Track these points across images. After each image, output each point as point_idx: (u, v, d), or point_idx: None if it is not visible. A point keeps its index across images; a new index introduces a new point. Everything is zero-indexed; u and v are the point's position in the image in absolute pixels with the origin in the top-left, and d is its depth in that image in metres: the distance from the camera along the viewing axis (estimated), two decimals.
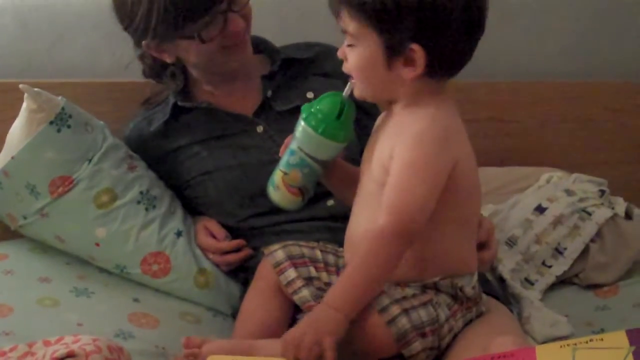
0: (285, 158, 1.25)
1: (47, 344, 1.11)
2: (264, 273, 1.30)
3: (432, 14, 1.09)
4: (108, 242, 1.48)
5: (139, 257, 1.48)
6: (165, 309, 1.46)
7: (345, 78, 1.21)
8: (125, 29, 1.47)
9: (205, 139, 1.53)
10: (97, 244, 1.48)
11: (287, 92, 1.53)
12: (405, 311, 1.12)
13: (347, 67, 1.18)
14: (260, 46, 1.60)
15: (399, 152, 1.13)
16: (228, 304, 1.52)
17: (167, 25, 1.40)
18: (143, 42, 1.47)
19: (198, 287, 1.50)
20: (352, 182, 1.26)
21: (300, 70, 1.57)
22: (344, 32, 1.15)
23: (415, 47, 1.11)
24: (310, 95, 1.51)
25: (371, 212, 1.16)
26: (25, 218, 1.49)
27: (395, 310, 1.12)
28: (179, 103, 1.54)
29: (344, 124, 1.21)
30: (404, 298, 1.14)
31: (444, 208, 1.13)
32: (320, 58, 1.59)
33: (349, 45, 1.16)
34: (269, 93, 1.53)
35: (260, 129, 1.51)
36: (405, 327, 1.12)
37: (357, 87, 1.19)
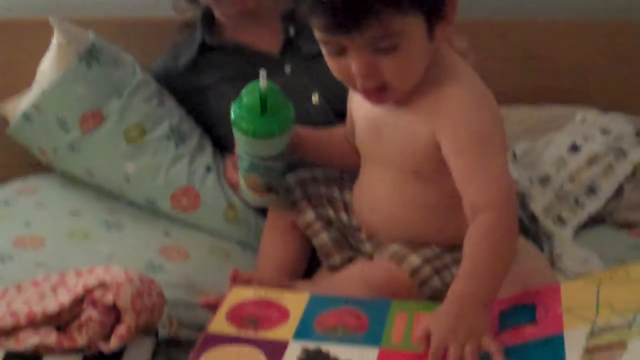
0: (239, 163, 1.22)
1: (79, 274, 1.12)
2: (279, 211, 1.28)
3: None
4: (138, 176, 1.48)
5: (169, 192, 1.48)
6: (195, 242, 1.46)
7: None
8: None
9: (232, 78, 1.51)
10: (127, 179, 1.48)
11: (313, 31, 1.49)
12: (437, 271, 1.10)
13: (384, 78, 1.00)
14: None
15: (457, 135, 1.01)
16: (257, 238, 1.50)
17: None
18: None
19: (227, 221, 1.50)
20: (329, 145, 1.23)
21: None
22: (376, 39, 0.97)
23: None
24: None
25: (400, 196, 1.12)
26: (56, 152, 1.49)
27: (426, 271, 1.09)
28: (207, 41, 1.52)
29: (274, 116, 1.13)
30: (435, 256, 1.11)
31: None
32: None
33: (386, 51, 0.98)
34: (292, 31, 1.50)
35: (288, 69, 1.49)
36: (438, 287, 1.09)
37: (396, 94, 1.04)
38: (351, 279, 1.13)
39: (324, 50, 1.03)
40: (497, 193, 1.00)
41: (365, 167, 1.20)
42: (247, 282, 1.13)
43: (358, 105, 1.16)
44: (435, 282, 1.09)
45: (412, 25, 0.98)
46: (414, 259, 1.10)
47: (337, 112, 1.28)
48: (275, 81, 1.47)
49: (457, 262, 1.11)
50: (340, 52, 1.00)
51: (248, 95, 1.14)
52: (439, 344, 0.89)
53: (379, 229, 1.18)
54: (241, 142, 1.17)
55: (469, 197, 1.01)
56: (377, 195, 1.16)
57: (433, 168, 1.07)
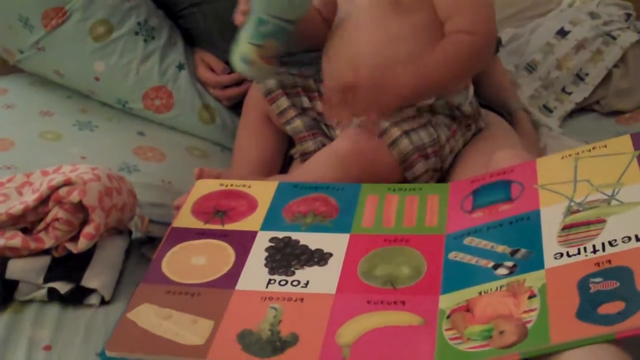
0: (252, 29, 1.13)
1: (45, 173, 1.09)
2: (253, 103, 1.26)
3: None
4: (107, 76, 1.43)
5: (141, 92, 1.44)
6: (171, 143, 1.43)
7: None
8: None
9: None
10: (97, 78, 1.43)
11: None
12: (406, 133, 1.09)
13: None
14: None
15: None
16: (234, 138, 1.48)
17: None
18: None
19: (203, 122, 1.46)
20: (312, 23, 1.20)
21: None
22: None
23: None
24: None
25: (381, 35, 1.12)
26: (21, 52, 1.44)
27: (395, 132, 1.08)
28: None
29: None
30: (403, 120, 1.10)
31: (439, 24, 1.10)
32: None
33: None
34: None
35: None
36: (408, 148, 1.08)
37: None
38: (320, 155, 1.12)
39: None
40: (482, 21, 1.08)
41: (339, 28, 1.19)
42: (216, 177, 1.10)
43: None
44: (405, 142, 1.08)
45: None
46: (383, 123, 1.09)
47: None
48: None
49: (433, 124, 1.11)
50: None
51: None
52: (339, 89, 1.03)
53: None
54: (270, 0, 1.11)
55: (453, 23, 1.09)
56: (356, 51, 1.15)
57: (421, 5, 1.10)
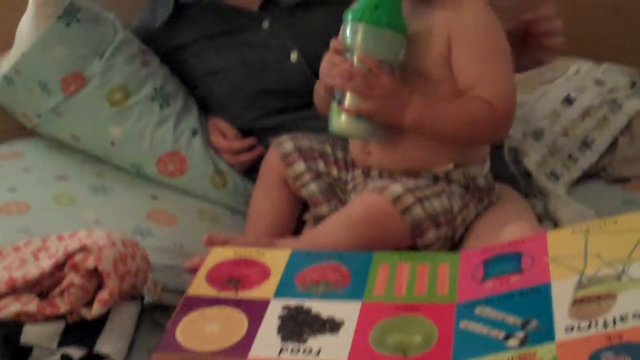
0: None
1: (60, 239, 1.10)
2: (270, 166, 1.28)
3: None
4: (123, 140, 1.46)
5: (155, 157, 1.46)
6: (183, 207, 1.45)
7: None
8: None
9: (209, 36, 1.47)
10: (113, 143, 1.46)
11: None
12: (419, 200, 1.10)
13: None
14: None
15: (475, 39, 1.11)
16: (245, 202, 1.49)
17: None
18: None
19: (215, 186, 1.49)
20: None
21: None
22: None
23: None
24: None
25: None
26: (39, 117, 1.47)
27: (408, 199, 1.10)
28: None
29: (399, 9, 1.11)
30: (417, 188, 1.12)
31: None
32: None
33: None
34: None
35: (265, 24, 1.45)
36: (420, 216, 1.10)
37: None
38: (332, 219, 1.14)
39: None
40: (503, 97, 1.11)
41: None
42: (224, 244, 1.12)
43: None
44: (417, 210, 1.10)
45: None
46: (396, 188, 1.10)
47: (315, 72, 1.26)
48: (253, 38, 1.45)
49: (447, 194, 1.13)
50: None
51: None
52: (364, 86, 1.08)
53: (379, 159, 1.19)
54: (380, 44, 1.10)
55: (474, 91, 1.11)
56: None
57: (438, 70, 1.13)
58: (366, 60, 1.09)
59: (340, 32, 1.15)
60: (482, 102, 1.10)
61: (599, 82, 1.71)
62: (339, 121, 1.14)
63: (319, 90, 1.23)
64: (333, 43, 1.13)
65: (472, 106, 1.11)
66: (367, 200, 1.11)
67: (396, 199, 1.09)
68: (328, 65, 1.12)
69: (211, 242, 1.13)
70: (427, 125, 1.12)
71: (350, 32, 1.11)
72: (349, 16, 1.11)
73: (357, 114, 1.11)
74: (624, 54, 1.86)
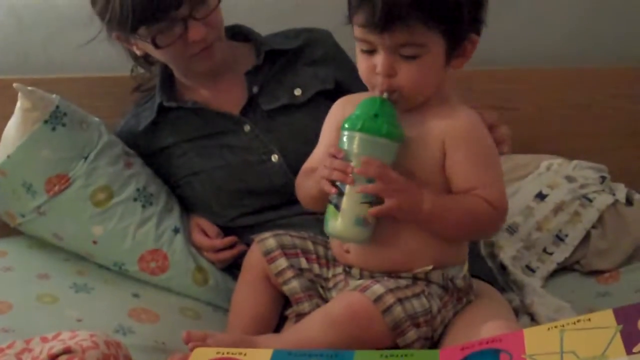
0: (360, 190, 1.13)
1: (44, 340, 1.10)
2: (253, 262, 1.29)
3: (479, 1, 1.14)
4: (105, 240, 1.48)
5: (137, 255, 1.48)
6: (165, 304, 1.46)
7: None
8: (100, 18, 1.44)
9: (192, 138, 1.51)
10: (95, 242, 1.48)
11: (274, 89, 1.50)
12: (400, 300, 1.12)
13: (398, 82, 1.12)
14: (247, 35, 1.57)
15: (470, 145, 1.15)
16: (227, 299, 1.50)
17: (122, 25, 1.38)
18: (112, 34, 1.45)
19: (196, 283, 1.50)
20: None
21: (287, 61, 1.53)
22: (402, 45, 1.10)
23: (474, 37, 1.14)
24: (297, 92, 1.49)
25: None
26: (23, 216, 1.49)
27: (389, 299, 1.11)
28: (164, 103, 1.52)
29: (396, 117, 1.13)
30: (398, 288, 1.14)
31: None
32: (309, 45, 1.55)
33: (408, 58, 1.11)
34: (255, 89, 1.50)
35: (247, 128, 1.49)
36: (400, 316, 1.11)
37: (405, 101, 1.14)
38: (313, 318, 1.15)
39: (358, 49, 1.14)
40: (502, 198, 1.16)
41: None
42: (202, 341, 1.13)
43: None
44: (398, 310, 1.11)
45: (434, 43, 1.11)
46: (378, 288, 1.12)
47: (295, 171, 1.30)
48: (235, 141, 1.49)
49: (426, 295, 1.15)
50: (371, 51, 1.13)
51: (381, 103, 1.12)
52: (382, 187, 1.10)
53: (358, 259, 1.21)
54: (380, 153, 1.12)
55: (472, 192, 1.14)
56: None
57: (428, 173, 1.16)
58: (370, 162, 1.11)
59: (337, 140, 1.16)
60: (484, 201, 1.14)
61: (570, 179, 1.76)
62: (336, 225, 1.15)
63: (308, 189, 1.24)
64: (332, 150, 1.14)
65: (475, 204, 1.14)
66: (348, 300, 1.12)
67: (377, 299, 1.11)
68: (327, 171, 1.14)
69: (190, 339, 1.14)
70: (440, 217, 1.14)
71: (348, 140, 1.13)
72: (346, 125, 1.13)
73: (378, 215, 1.13)
74: (593, 150, 1.93)
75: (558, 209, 1.69)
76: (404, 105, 1.15)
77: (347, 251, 1.22)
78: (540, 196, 1.72)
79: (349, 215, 1.14)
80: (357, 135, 1.12)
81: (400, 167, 1.14)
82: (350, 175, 1.12)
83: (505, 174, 1.84)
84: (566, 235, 1.67)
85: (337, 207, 1.14)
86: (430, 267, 1.17)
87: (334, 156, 1.14)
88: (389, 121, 1.11)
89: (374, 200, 1.13)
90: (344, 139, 1.14)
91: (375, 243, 1.17)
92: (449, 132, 1.15)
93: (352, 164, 1.12)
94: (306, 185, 1.24)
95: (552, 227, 1.67)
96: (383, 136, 1.11)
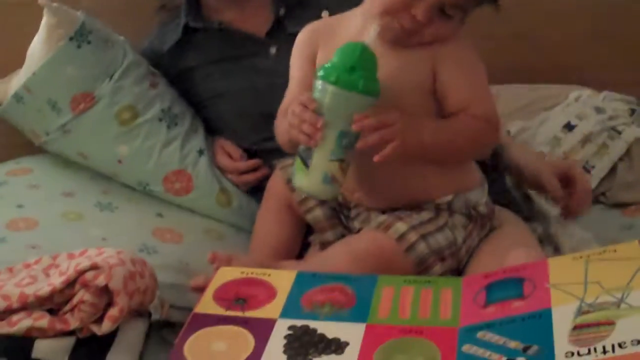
0: (333, 144, 1.07)
1: (71, 256, 1.12)
2: (275, 189, 1.29)
3: None
4: (130, 159, 1.48)
5: (161, 175, 1.49)
6: (189, 224, 1.47)
7: None
8: None
9: (218, 60, 1.50)
10: (120, 161, 1.48)
11: (301, 11, 1.47)
12: (423, 237, 1.12)
13: (421, 32, 1.10)
14: None
15: (460, 64, 1.13)
16: (250, 221, 1.50)
17: None
18: None
19: (220, 205, 1.51)
20: None
21: None
22: (452, 4, 1.08)
23: None
24: (325, 14, 1.45)
25: None
26: (48, 134, 1.49)
27: (412, 237, 1.11)
28: (190, 24, 1.50)
29: (375, 69, 1.07)
30: (421, 224, 1.13)
31: None
32: None
33: (445, 17, 1.09)
34: (282, 11, 1.48)
35: (273, 50, 1.48)
36: (424, 252, 1.11)
37: (402, 41, 1.11)
38: (337, 252, 1.15)
39: None
40: (493, 111, 1.14)
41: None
42: (227, 263, 1.13)
43: None
44: (422, 247, 1.11)
45: (469, 9, 1.11)
46: (401, 226, 1.12)
47: None
48: (261, 63, 1.47)
49: (450, 227, 1.14)
50: None
51: (360, 53, 1.05)
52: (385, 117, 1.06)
53: (374, 202, 1.19)
54: (355, 109, 1.05)
55: (466, 112, 1.13)
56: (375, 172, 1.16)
57: (414, 101, 1.13)
58: (362, 119, 1.05)
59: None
60: (479, 119, 1.12)
61: (599, 110, 1.73)
62: (303, 181, 1.10)
63: (283, 132, 1.18)
64: (303, 99, 1.08)
65: (472, 124, 1.12)
66: (371, 238, 1.12)
67: (400, 237, 1.11)
68: (297, 120, 1.07)
69: (215, 260, 1.15)
70: (441, 144, 1.12)
71: (322, 91, 1.06)
72: (321, 73, 1.06)
73: (383, 160, 1.07)
74: (623, 81, 1.89)
75: (586, 140, 1.67)
76: (394, 41, 1.11)
77: (357, 197, 1.21)
78: (569, 127, 1.70)
79: (317, 172, 1.08)
80: (331, 89, 1.04)
81: (389, 95, 1.09)
82: (320, 132, 1.05)
83: (534, 104, 1.84)
84: (593, 167, 1.65)
85: (305, 162, 1.09)
86: (451, 197, 1.16)
87: (306, 106, 1.06)
88: (366, 75, 1.05)
89: (344, 157, 1.08)
90: (318, 87, 1.06)
91: (379, 184, 1.16)
92: (437, 55, 1.12)
93: (325, 117, 1.05)
94: (282, 127, 1.18)
95: (579, 158, 1.66)
96: (359, 92, 1.04)
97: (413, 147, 1.09)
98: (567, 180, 1.39)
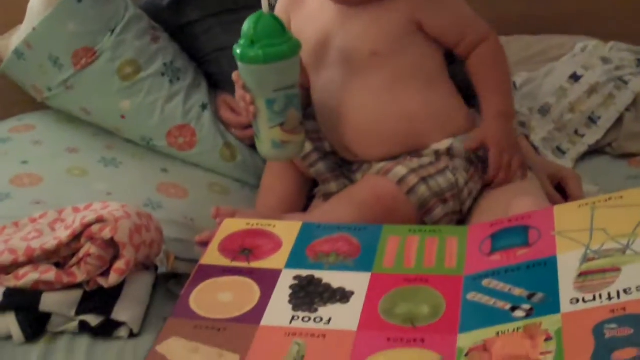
0: (266, 113, 1.12)
1: (76, 210, 1.12)
2: None
3: None
4: (133, 114, 1.47)
5: (165, 130, 1.48)
6: (193, 179, 1.47)
7: None
8: None
9: (217, 13, 1.49)
10: (123, 116, 1.48)
11: None
12: (423, 179, 1.12)
13: None
14: None
15: (439, 6, 1.16)
16: (255, 175, 1.51)
17: None
18: None
19: (224, 160, 1.50)
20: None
21: None
22: None
23: None
24: None
25: (361, 84, 1.17)
26: (50, 90, 1.48)
27: (412, 179, 1.12)
28: None
29: (289, 33, 1.10)
30: (421, 167, 1.14)
31: (442, 67, 1.19)
32: None
33: None
34: None
35: (273, 1, 1.46)
36: (425, 194, 1.12)
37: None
38: (339, 201, 1.15)
39: None
40: (483, 25, 1.18)
41: (324, 93, 1.21)
42: (231, 216, 1.14)
43: (307, 21, 1.22)
44: (422, 189, 1.12)
45: None
46: (400, 169, 1.13)
47: None
48: None
49: (451, 169, 1.14)
50: None
51: (255, 25, 1.08)
52: (499, 156, 1.15)
53: (363, 144, 1.20)
54: (269, 78, 1.09)
55: (469, 42, 1.18)
56: (352, 110, 1.19)
57: (395, 47, 1.16)
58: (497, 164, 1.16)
59: None
60: (483, 47, 1.17)
61: (605, 60, 1.72)
62: (259, 148, 1.17)
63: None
64: (234, 77, 1.14)
65: (492, 55, 1.18)
66: (372, 184, 1.13)
67: (400, 180, 1.11)
68: (238, 96, 1.14)
69: (219, 214, 1.15)
70: (509, 96, 1.20)
71: (240, 69, 1.10)
72: (235, 51, 1.10)
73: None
74: (630, 32, 1.87)
75: (592, 90, 1.66)
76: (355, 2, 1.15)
77: (355, 155, 1.21)
78: (575, 77, 1.69)
79: (266, 141, 1.14)
80: (240, 66, 1.09)
81: (360, 47, 1.14)
82: (252, 105, 1.10)
83: (540, 55, 1.82)
84: (599, 118, 1.65)
85: (256, 133, 1.15)
86: (449, 142, 1.16)
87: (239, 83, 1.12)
88: (268, 43, 1.07)
89: (283, 121, 1.11)
90: (260, 67, 1.09)
91: (371, 137, 1.17)
92: (414, 4, 1.15)
93: (250, 91, 1.10)
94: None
95: (585, 108, 1.65)
96: (264, 63, 1.07)
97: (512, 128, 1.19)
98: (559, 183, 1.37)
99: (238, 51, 1.09)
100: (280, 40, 1.08)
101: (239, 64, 1.10)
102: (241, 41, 1.09)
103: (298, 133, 1.15)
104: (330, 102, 1.20)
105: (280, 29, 1.08)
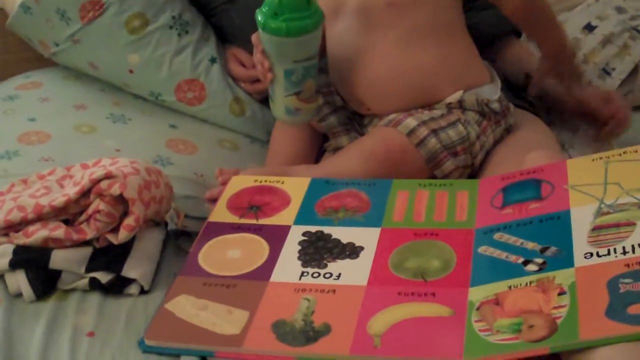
0: (283, 82, 1.12)
1: (84, 166, 1.11)
2: None
3: None
4: (141, 68, 1.46)
5: (173, 84, 1.46)
6: (203, 135, 1.46)
7: None
8: None
9: None
10: (131, 71, 1.46)
11: None
12: (434, 132, 1.11)
13: None
14: None
15: None
16: (264, 130, 1.50)
17: None
18: None
19: (234, 114, 1.49)
20: None
21: None
22: None
23: None
24: None
25: (382, 41, 1.15)
26: (57, 45, 1.47)
27: (423, 131, 1.10)
28: None
29: (314, 4, 1.08)
30: (432, 119, 1.12)
31: (459, 19, 1.16)
32: None
33: None
34: None
35: None
36: (435, 147, 1.10)
37: None
38: (349, 153, 1.15)
39: None
40: None
41: (341, 48, 1.19)
42: (235, 175, 1.13)
43: None
44: (432, 141, 1.10)
45: None
46: (411, 121, 1.11)
47: None
48: None
49: (463, 122, 1.13)
50: None
51: (273, 2, 1.06)
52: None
53: (377, 97, 1.18)
54: (290, 50, 1.09)
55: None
56: (370, 65, 1.16)
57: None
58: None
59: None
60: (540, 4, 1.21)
61: (620, 10, 1.68)
62: (273, 111, 1.18)
63: None
64: (254, 39, 1.12)
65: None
66: (382, 135, 1.12)
67: (410, 132, 1.10)
68: (256, 59, 1.13)
69: (222, 175, 1.14)
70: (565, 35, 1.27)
71: (262, 36, 1.09)
72: (257, 18, 1.08)
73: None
74: None
75: (606, 41, 1.63)
76: None
77: (368, 108, 1.20)
78: (589, 27, 1.66)
79: (279, 106, 1.15)
80: (262, 35, 1.08)
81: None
82: (269, 72, 1.10)
83: (553, 5, 1.77)
84: (613, 69, 1.62)
85: (271, 95, 1.15)
86: (460, 94, 1.14)
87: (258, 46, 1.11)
88: (291, 17, 1.05)
89: (300, 90, 1.12)
90: (281, 39, 1.08)
91: (385, 90, 1.16)
92: None
93: (269, 58, 1.10)
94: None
95: (599, 60, 1.62)
96: (285, 36, 1.06)
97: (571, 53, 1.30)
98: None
99: (260, 19, 1.07)
100: (304, 13, 1.06)
101: (260, 31, 1.09)
102: (264, 8, 1.07)
103: (313, 101, 1.16)
104: (345, 54, 1.18)
105: (305, 0, 1.07)
